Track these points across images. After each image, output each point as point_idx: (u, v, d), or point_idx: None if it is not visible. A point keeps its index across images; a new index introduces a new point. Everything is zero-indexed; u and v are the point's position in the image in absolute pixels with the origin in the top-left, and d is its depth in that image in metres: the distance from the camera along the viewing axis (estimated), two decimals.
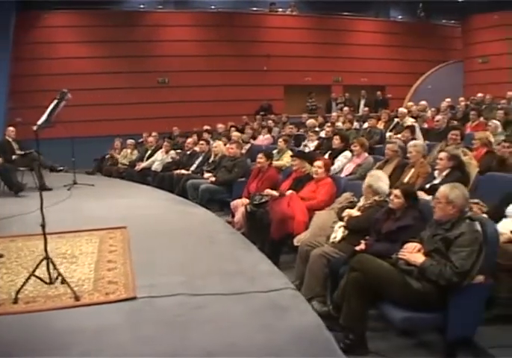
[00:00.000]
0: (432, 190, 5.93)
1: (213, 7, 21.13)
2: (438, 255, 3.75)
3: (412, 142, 6.95)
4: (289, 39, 20.69)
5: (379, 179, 5.28)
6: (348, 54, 21.50)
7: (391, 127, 12.16)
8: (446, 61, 22.52)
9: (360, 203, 5.36)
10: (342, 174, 7.75)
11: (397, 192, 4.55)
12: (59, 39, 18.26)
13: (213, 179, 9.31)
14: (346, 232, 5.13)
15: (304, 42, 20.93)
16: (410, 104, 15.14)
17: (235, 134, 11.93)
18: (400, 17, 24.33)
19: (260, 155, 7.91)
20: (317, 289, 4.85)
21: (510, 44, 20.71)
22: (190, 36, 19.75)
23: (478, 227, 3.77)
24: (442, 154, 5.98)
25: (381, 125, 12.60)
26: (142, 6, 20.34)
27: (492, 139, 7.49)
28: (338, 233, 5.19)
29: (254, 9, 21.34)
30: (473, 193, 5.82)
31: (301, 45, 20.84)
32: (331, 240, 5.17)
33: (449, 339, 3.80)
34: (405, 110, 12.43)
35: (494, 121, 9.16)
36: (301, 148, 10.91)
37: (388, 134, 11.48)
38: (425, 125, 11.83)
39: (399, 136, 9.62)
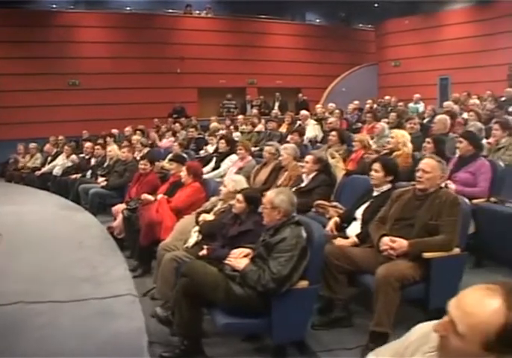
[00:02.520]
0: (297, 193, 5.99)
1: (128, 8, 20.87)
2: (260, 260, 3.72)
3: (283, 146, 6.95)
4: (204, 41, 20.62)
5: (238, 183, 5.24)
6: (264, 56, 21.62)
7: (293, 129, 12.19)
8: (361, 64, 22.92)
9: (217, 208, 5.31)
10: (225, 178, 7.70)
11: (239, 196, 4.51)
12: None
13: (104, 183, 9.15)
14: (200, 236, 5.07)
15: (220, 44, 20.92)
16: (318, 106, 15.25)
17: (134, 138, 11.77)
18: (318, 21, 24.61)
19: (143, 161, 7.76)
20: (169, 293, 4.76)
21: (420, 48, 21.23)
22: (103, 37, 19.45)
23: (303, 232, 3.76)
24: (308, 157, 6.00)
25: (284, 128, 12.64)
26: (54, 6, 19.85)
27: (371, 142, 7.57)
28: (193, 237, 5.13)
29: (170, 11, 21.18)
30: (338, 196, 5.90)
31: (216, 48, 20.80)
32: (186, 244, 5.10)
33: (276, 344, 3.78)
34: (307, 113, 12.52)
35: (381, 123, 9.29)
36: (202, 152, 10.88)
37: (290, 137, 11.50)
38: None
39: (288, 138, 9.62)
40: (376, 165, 4.76)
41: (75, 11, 19.83)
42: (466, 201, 4.31)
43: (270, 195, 3.90)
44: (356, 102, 15.59)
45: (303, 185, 5.98)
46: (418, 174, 4.12)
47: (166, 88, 19.78)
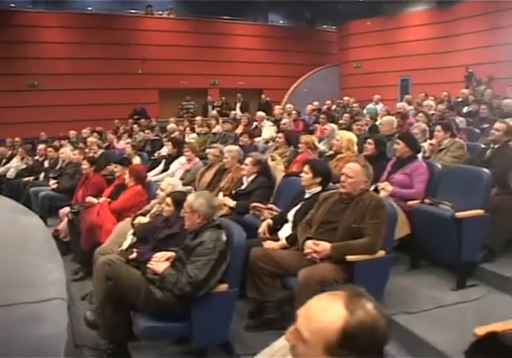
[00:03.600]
0: (237, 195, 5.99)
1: (89, 8, 20.72)
2: (180, 264, 3.72)
3: (227, 147, 6.94)
4: (165, 42, 20.62)
5: (175, 187, 5.23)
6: (226, 57, 21.66)
7: (245, 131, 12.13)
8: (324, 65, 23.03)
9: (153, 211, 5.30)
10: (163, 181, 7.68)
11: (168, 199, 4.51)
12: None
13: (55, 186, 9.05)
14: (135, 239, 5.04)
15: (181, 45, 20.94)
16: (277, 107, 15.24)
17: (89, 140, 11.67)
18: (282, 22, 24.67)
19: (84, 161, 7.72)
20: None
21: (381, 49, 21.42)
22: (63, 38, 19.35)
23: (223, 235, 3.76)
24: (248, 159, 6.00)
25: (240, 129, 12.59)
26: (12, 5, 19.64)
27: (317, 143, 7.56)
28: (128, 240, 5.10)
29: (131, 11, 21.08)
30: (277, 198, 5.90)
31: (178, 48, 20.83)
32: (121, 248, 5.07)
33: (197, 347, 3.77)
34: (263, 114, 12.52)
35: (331, 124, 9.33)
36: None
37: (240, 138, 11.46)
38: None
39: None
40: (306, 167, 4.79)
41: (34, 11, 19.66)
42: (393, 203, 4.34)
43: (189, 198, 3.90)
44: (316, 103, 15.64)
45: (243, 187, 5.98)
46: (341, 178, 4.15)
47: (127, 89, 19.72)
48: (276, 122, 12.32)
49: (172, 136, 11.49)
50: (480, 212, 4.75)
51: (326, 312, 1.51)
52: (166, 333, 3.85)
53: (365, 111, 14.92)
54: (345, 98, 16.69)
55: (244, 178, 6.10)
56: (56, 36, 19.24)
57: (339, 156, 6.58)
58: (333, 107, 16.03)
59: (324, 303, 1.54)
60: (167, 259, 3.86)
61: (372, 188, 5.06)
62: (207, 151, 7.46)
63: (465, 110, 12.84)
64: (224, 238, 3.75)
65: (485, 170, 5.09)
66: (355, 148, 6.84)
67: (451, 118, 9.34)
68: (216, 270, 3.63)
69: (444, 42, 19.92)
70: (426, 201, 5.18)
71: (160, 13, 21.63)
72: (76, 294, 5.58)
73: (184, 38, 21.10)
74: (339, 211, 4.11)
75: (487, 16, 18.71)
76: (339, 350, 1.48)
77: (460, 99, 14.66)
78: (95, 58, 19.28)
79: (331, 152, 7.01)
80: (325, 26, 25.81)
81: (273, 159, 6.48)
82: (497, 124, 6.10)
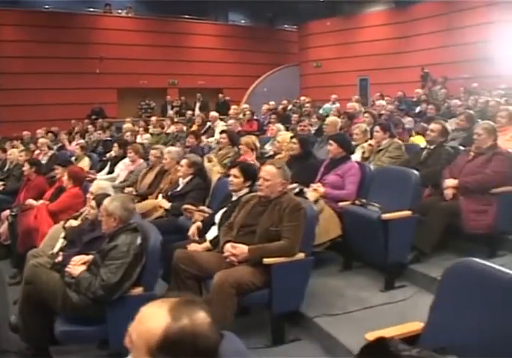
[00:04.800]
0: (172, 197, 6.00)
1: (46, 6, 20.48)
2: (95, 268, 3.72)
3: (167, 149, 6.94)
4: (124, 41, 20.50)
5: (106, 190, 5.20)
6: (186, 57, 21.61)
7: (203, 130, 12.18)
8: (284, 64, 23.10)
9: (84, 214, 5.28)
10: (117, 182, 7.68)
11: (92, 202, 4.50)
12: None
13: (1, 188, 8.95)
14: (65, 242, 5.02)
15: (141, 44, 20.83)
16: (234, 107, 15.21)
17: (40, 141, 11.55)
18: (243, 21, 24.69)
19: (25, 163, 7.64)
20: None
21: (341, 49, 21.57)
22: (19, 36, 19.13)
23: (138, 238, 3.77)
24: (183, 161, 6.02)
25: (194, 129, 12.56)
26: None
27: (257, 144, 7.51)
28: (59, 243, 5.08)
29: (90, 10, 20.90)
30: (213, 199, 5.92)
31: (137, 48, 20.69)
32: (51, 251, 5.05)
33: (113, 352, 3.78)
34: (216, 114, 12.52)
35: (277, 125, 9.36)
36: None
37: (187, 139, 11.40)
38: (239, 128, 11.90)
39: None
40: (235, 171, 4.80)
41: None
42: (313, 206, 4.38)
43: (105, 202, 3.91)
44: (272, 103, 15.68)
45: (178, 189, 5.99)
46: (259, 182, 4.18)
47: (85, 89, 19.53)
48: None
49: (124, 136, 11.41)
50: (407, 213, 4.81)
51: (151, 317, 1.56)
52: (82, 337, 3.84)
53: (321, 111, 15.05)
54: (302, 98, 16.74)
55: (180, 180, 6.11)
56: (11, 34, 18.98)
57: (277, 156, 6.62)
58: (290, 106, 16.02)
59: (152, 308, 1.59)
60: (84, 263, 3.86)
61: (296, 190, 5.12)
62: (150, 152, 7.44)
63: (417, 109, 13.03)
64: (138, 241, 3.75)
65: (413, 171, 5.16)
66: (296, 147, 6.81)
67: (396, 118, 9.44)
68: (130, 273, 3.64)
69: (401, 43, 20.16)
70: (357, 202, 5.24)
71: (119, 11, 21.49)
72: (12, 298, 5.54)
73: (143, 37, 20.99)
74: (258, 214, 4.13)
75: (443, 17, 18.99)
76: (158, 355, 1.52)
77: (414, 99, 14.86)
78: (52, 57, 19.08)
79: (271, 153, 7.04)
80: (286, 26, 25.91)
81: (209, 161, 6.50)
82: (432, 125, 6.16)
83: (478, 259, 2.54)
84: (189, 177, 5.98)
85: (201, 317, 1.56)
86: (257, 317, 4.47)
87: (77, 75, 19.47)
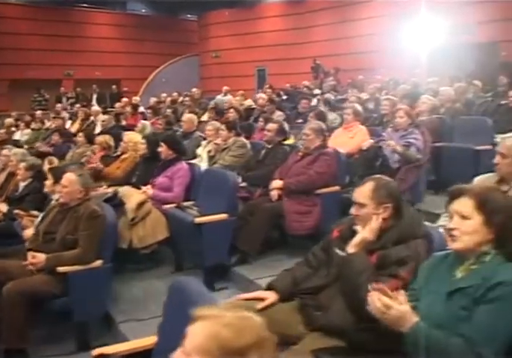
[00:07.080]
0: (11, 201, 5.97)
1: None
2: None
3: (13, 150, 6.84)
4: (16, 30, 19.97)
5: None
6: (82, 47, 21.28)
7: (84, 126, 11.91)
8: (184, 55, 23.03)
9: None
10: None
11: None
12: None
13: None
14: None
15: (34, 33, 20.36)
16: (125, 99, 15.00)
17: None
18: (144, 10, 24.43)
19: None
20: None
21: (239, 39, 21.70)
22: None
23: None
24: (21, 164, 5.99)
25: (77, 124, 12.32)
26: None
27: (112, 143, 7.42)
28: None
29: None
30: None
31: (31, 37, 20.21)
32: None
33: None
34: (98, 108, 12.38)
35: (143, 121, 9.39)
36: None
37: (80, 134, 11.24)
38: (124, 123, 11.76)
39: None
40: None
41: None
42: (113, 212, 4.41)
43: None
44: (164, 95, 15.65)
45: (17, 193, 5.99)
46: (58, 188, 4.27)
47: None
48: (117, 116, 12.08)
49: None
50: (221, 216, 4.90)
51: None
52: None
53: (212, 103, 15.01)
54: (193, 90, 16.67)
55: (20, 183, 6.09)
56: None
57: (122, 157, 6.64)
58: (181, 98, 15.87)
59: None
60: None
61: (109, 195, 5.21)
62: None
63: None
64: None
65: (230, 173, 5.31)
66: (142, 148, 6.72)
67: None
68: None
69: (297, 34, 20.47)
70: (181, 204, 5.34)
71: None
72: None
73: (37, 26, 20.53)
74: (58, 221, 4.21)
75: (337, 9, 19.43)
76: None
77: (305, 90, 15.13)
78: None
79: (118, 152, 6.98)
80: (189, 15, 25.78)
81: (51, 163, 6.47)
82: (269, 125, 6.28)
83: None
84: (28, 181, 5.97)
85: None
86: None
87: None
